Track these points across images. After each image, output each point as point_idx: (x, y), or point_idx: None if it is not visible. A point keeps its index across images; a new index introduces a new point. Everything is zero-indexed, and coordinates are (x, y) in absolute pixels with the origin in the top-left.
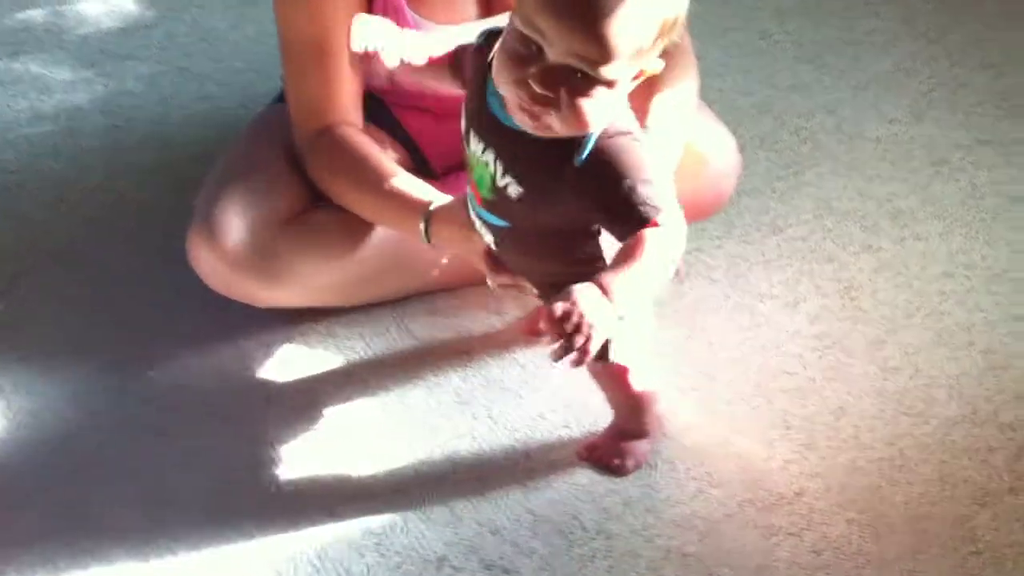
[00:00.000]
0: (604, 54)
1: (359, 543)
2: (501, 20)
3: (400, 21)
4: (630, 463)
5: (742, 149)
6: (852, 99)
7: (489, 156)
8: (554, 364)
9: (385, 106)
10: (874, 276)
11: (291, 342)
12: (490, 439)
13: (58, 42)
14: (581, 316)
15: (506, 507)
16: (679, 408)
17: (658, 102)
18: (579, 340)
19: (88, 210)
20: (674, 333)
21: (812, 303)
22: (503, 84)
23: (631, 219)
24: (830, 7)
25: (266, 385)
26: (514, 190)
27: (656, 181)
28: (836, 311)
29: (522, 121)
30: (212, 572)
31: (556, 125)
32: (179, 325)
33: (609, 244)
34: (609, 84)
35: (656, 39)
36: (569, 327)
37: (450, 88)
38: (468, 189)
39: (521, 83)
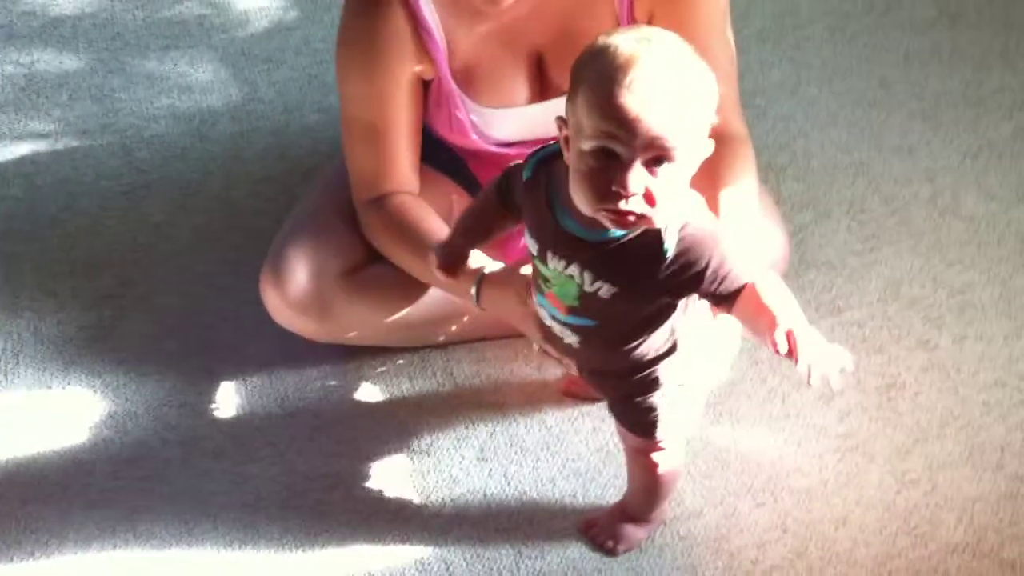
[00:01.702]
0: (676, 126)
1: None
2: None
3: (453, 106)
4: (621, 547)
5: (828, 214)
6: (957, 167)
7: (574, 270)
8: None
9: (463, 161)
10: (921, 376)
11: (345, 375)
12: (500, 499)
13: (207, 39)
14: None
15: (497, 570)
16: (685, 493)
17: (723, 201)
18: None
19: (202, 219)
20: (705, 416)
21: (848, 398)
22: (590, 205)
23: (728, 287)
24: (963, 55)
25: (316, 415)
26: (607, 291)
27: (738, 250)
28: (870, 410)
29: (606, 221)
30: None
31: (636, 221)
32: (254, 346)
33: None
34: (678, 160)
35: (708, 104)
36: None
37: (503, 226)
38: (544, 300)
39: (608, 197)
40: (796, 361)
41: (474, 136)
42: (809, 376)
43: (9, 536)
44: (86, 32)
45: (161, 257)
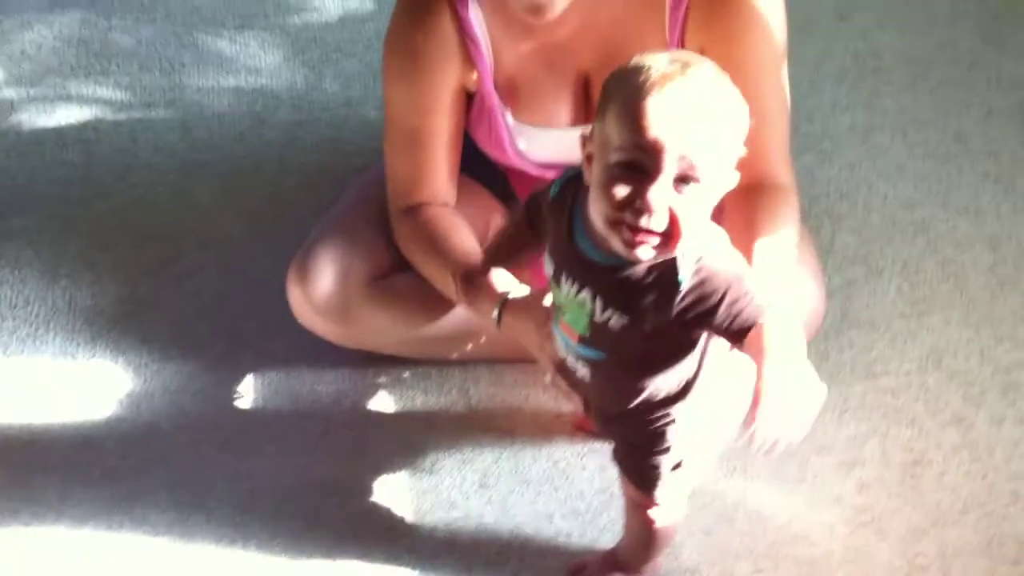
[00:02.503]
0: (705, 146)
1: None
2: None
3: (493, 119)
4: None
5: (880, 272)
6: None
7: (585, 295)
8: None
9: (505, 177)
10: (950, 455)
11: (362, 381)
12: (495, 529)
13: (282, 22)
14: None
15: None
16: (684, 547)
17: (757, 250)
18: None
19: (250, 204)
20: (715, 470)
21: (870, 469)
22: (607, 218)
23: (741, 324)
24: None
25: (326, 419)
26: (617, 321)
27: (754, 287)
28: (891, 485)
29: (619, 249)
30: None
31: (655, 244)
32: (278, 341)
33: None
34: (703, 183)
35: (738, 133)
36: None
37: (531, 249)
38: (558, 330)
39: (629, 209)
40: (752, 418)
41: (511, 152)
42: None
43: (11, 503)
44: (166, 3)
45: (204, 239)
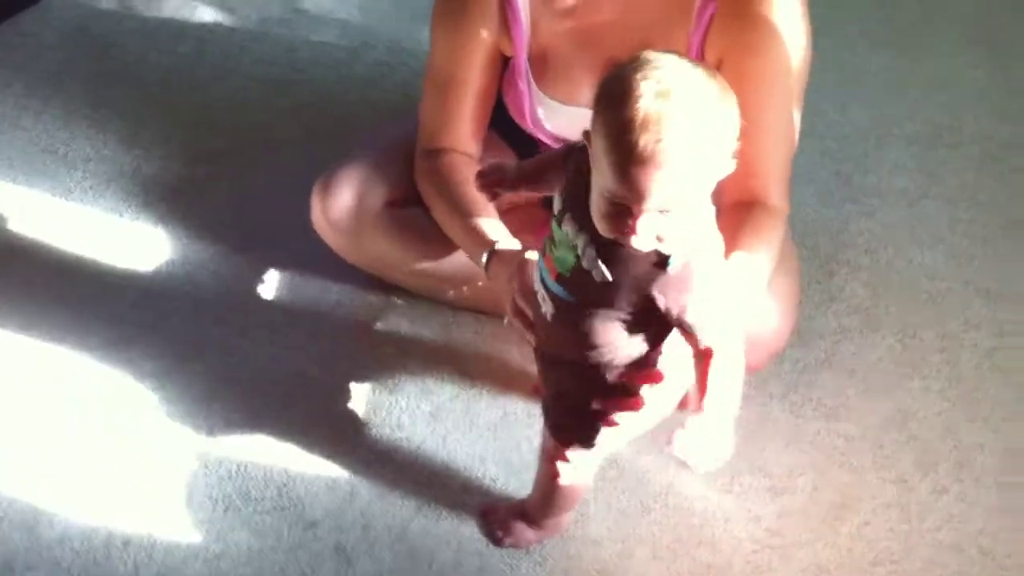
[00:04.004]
0: (686, 191)
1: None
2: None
3: (519, 88)
4: (507, 541)
5: (877, 327)
6: None
7: (581, 240)
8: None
9: (536, 147)
10: (880, 510)
11: (361, 298)
12: (429, 457)
13: None
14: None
15: (393, 514)
16: (593, 519)
17: (733, 261)
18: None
19: (318, 124)
20: (651, 458)
21: (796, 500)
22: (605, 232)
23: (692, 333)
24: None
25: (316, 322)
26: (599, 275)
27: (719, 309)
28: (811, 520)
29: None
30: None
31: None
32: (297, 246)
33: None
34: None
35: (724, 152)
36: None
37: (552, 182)
38: (541, 262)
39: (621, 231)
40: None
41: (528, 118)
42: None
43: (23, 321)
44: None
45: (267, 143)
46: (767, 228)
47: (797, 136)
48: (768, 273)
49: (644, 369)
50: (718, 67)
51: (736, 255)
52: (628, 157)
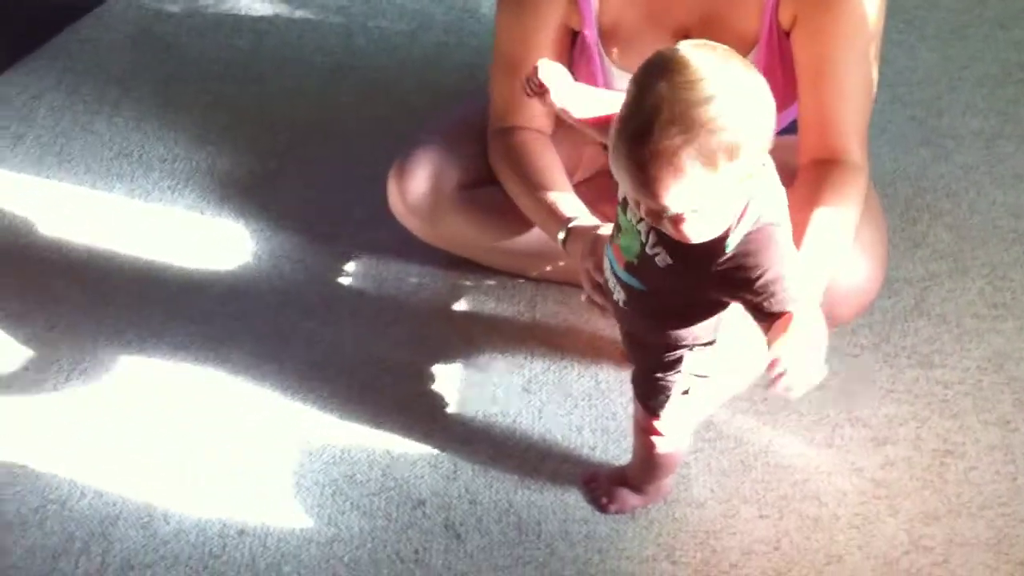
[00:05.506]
0: (659, 201)
1: (373, 458)
2: None
3: (591, 64)
4: (612, 507)
5: (966, 271)
6: None
7: (644, 226)
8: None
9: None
10: (985, 453)
11: (443, 279)
12: (527, 430)
13: None
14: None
15: (496, 488)
16: (696, 482)
17: (817, 219)
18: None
19: (382, 110)
20: (747, 419)
21: (900, 449)
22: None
23: (769, 307)
24: None
25: (400, 307)
26: (662, 260)
27: (794, 276)
28: (916, 468)
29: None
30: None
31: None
32: (378, 231)
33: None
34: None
35: (718, 168)
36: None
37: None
38: (609, 250)
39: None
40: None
41: None
42: (775, 381)
43: (119, 324)
44: None
45: (333, 132)
46: (849, 184)
47: (875, 90)
48: (853, 229)
49: None
50: (792, 25)
51: (819, 212)
52: (647, 173)
